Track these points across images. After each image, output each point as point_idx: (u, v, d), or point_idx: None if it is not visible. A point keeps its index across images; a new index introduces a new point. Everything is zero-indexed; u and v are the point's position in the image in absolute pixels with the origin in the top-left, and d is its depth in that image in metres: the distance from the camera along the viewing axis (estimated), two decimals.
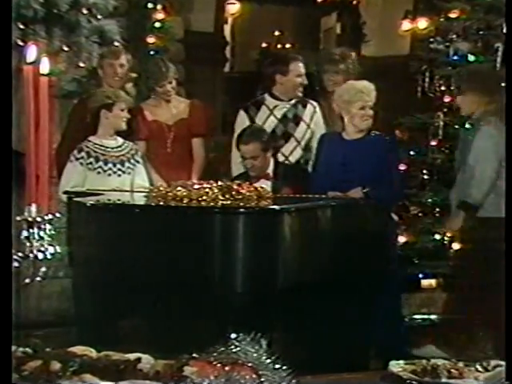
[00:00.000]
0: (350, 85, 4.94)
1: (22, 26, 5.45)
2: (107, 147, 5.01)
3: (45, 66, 2.47)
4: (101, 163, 4.97)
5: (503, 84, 4.69)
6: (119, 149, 5.06)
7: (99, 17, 5.74)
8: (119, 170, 5.01)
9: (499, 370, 3.13)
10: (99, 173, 4.96)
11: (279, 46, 12.92)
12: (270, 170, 5.10)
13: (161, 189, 4.33)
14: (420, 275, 5.94)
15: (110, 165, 4.98)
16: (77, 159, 4.94)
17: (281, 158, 5.45)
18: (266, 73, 5.64)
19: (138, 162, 5.10)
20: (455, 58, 5.93)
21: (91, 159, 4.95)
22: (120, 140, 5.09)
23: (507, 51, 4.12)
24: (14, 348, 2.33)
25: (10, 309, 2.50)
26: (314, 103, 5.54)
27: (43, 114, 2.79)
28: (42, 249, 3.03)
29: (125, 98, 5.06)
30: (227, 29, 8.99)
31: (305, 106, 5.50)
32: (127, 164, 5.04)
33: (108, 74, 5.41)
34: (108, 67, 5.41)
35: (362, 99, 4.78)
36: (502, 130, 4.70)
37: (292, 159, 5.47)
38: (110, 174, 4.98)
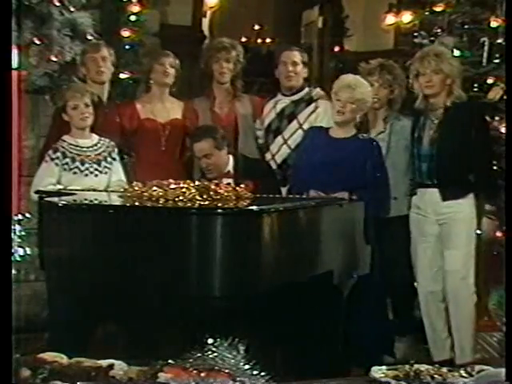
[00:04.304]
0: (342, 77, 4.89)
1: None
2: (83, 147, 4.91)
3: (14, 60, 2.33)
4: (77, 163, 4.86)
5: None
6: (95, 147, 4.95)
7: (72, 9, 5.65)
8: (96, 169, 4.91)
9: (483, 374, 3.07)
10: (75, 173, 4.86)
11: (259, 40, 12.84)
12: (231, 168, 5.03)
13: (136, 189, 4.21)
14: None
15: (86, 165, 4.88)
16: (52, 159, 4.84)
17: (268, 157, 5.35)
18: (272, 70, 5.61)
19: (114, 159, 5.01)
20: None
21: (67, 159, 4.85)
22: (95, 138, 4.98)
23: (507, 51, 4.03)
24: None
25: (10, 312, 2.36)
26: (320, 102, 5.40)
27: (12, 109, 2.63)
28: (12, 250, 2.89)
29: (74, 95, 4.90)
30: (205, 22, 8.88)
31: (309, 104, 5.38)
32: (104, 163, 4.94)
33: (91, 70, 5.32)
34: (90, 62, 5.32)
35: (343, 92, 4.71)
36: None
37: (278, 158, 5.40)
38: (86, 175, 4.88)
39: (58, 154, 4.83)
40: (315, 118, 5.34)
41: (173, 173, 5.16)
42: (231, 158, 5.06)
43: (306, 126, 5.31)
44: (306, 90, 5.50)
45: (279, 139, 5.39)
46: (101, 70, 5.31)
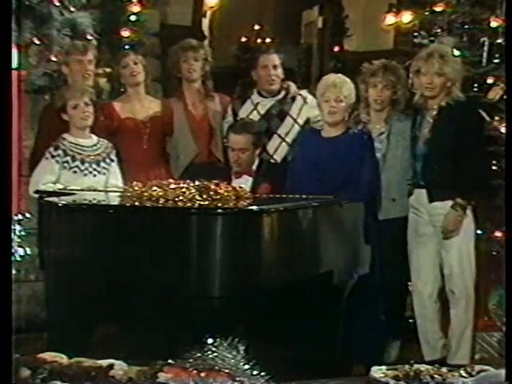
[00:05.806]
0: (325, 77, 4.92)
1: None
2: (83, 146, 4.92)
3: (14, 60, 2.33)
4: (77, 162, 4.87)
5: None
6: (95, 148, 4.96)
7: (72, 9, 5.65)
8: (95, 170, 4.92)
9: (483, 374, 3.06)
10: (75, 172, 4.87)
11: (259, 40, 12.83)
12: (254, 167, 5.05)
13: (136, 188, 4.20)
14: None
15: (86, 164, 4.89)
16: (53, 156, 4.84)
17: (266, 157, 5.35)
18: (248, 72, 5.61)
19: (112, 160, 5.02)
20: None
21: (68, 158, 4.85)
22: (95, 138, 5.00)
23: (507, 51, 4.03)
24: None
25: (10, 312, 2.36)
26: (305, 94, 5.48)
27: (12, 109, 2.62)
28: (12, 250, 2.89)
29: (74, 95, 4.90)
30: (205, 22, 8.91)
31: (294, 99, 5.41)
32: (102, 164, 4.95)
33: (76, 72, 5.30)
34: (76, 64, 5.30)
35: (330, 92, 4.73)
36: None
37: (277, 157, 5.39)
38: (85, 174, 4.89)
39: (59, 152, 4.84)
40: (307, 110, 5.39)
41: (156, 171, 5.23)
42: (257, 158, 5.09)
43: (300, 121, 5.37)
44: (284, 88, 5.51)
45: (275, 138, 5.39)
46: (87, 73, 5.29)
